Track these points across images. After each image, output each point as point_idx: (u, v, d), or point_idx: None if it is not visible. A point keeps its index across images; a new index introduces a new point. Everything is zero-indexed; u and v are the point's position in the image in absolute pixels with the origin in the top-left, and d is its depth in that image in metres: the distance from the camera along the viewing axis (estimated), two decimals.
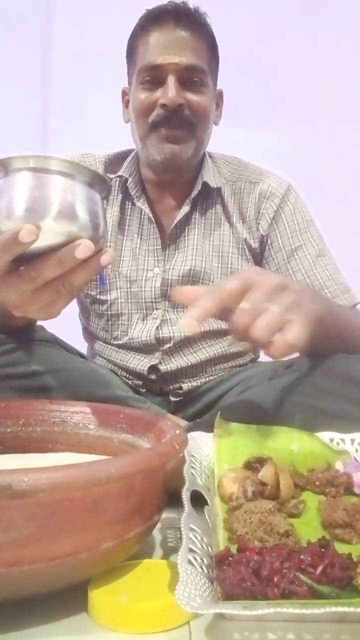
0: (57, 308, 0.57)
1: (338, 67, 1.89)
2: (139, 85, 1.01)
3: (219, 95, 1.10)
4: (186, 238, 1.08)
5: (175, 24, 0.99)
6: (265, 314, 0.63)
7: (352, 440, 0.77)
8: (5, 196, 0.53)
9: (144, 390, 1.09)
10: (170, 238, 1.08)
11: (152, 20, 1.01)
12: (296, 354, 0.71)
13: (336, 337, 0.83)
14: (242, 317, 0.63)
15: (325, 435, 0.77)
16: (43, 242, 0.52)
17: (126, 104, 1.10)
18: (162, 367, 1.07)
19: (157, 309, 1.07)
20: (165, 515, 0.60)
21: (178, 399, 1.09)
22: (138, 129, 1.03)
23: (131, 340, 1.08)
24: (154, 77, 0.99)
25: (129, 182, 1.08)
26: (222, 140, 1.14)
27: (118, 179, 1.10)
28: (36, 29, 1.96)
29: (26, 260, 0.54)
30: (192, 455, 0.68)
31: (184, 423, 0.94)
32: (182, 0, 1.02)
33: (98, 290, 1.09)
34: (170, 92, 0.97)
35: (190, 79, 0.99)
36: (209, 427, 0.77)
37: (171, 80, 0.98)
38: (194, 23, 1.01)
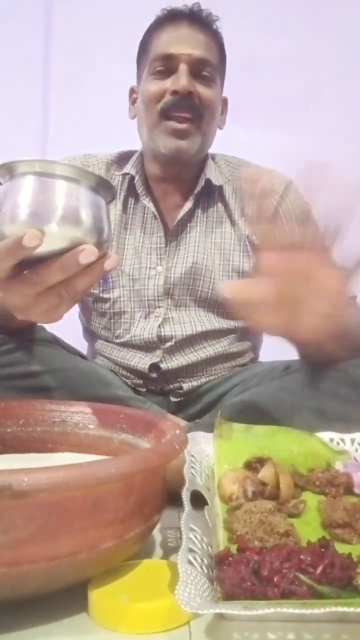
0: (60, 312, 0.57)
1: (338, 66, 1.89)
2: (150, 76, 1.03)
3: (224, 102, 1.12)
4: (188, 235, 1.08)
5: (190, 22, 1.02)
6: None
7: (352, 440, 0.77)
8: (10, 200, 0.52)
9: (144, 390, 1.09)
10: (173, 235, 1.08)
11: (167, 18, 1.05)
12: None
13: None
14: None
15: (325, 435, 0.77)
16: (47, 246, 0.52)
17: (133, 101, 1.11)
18: (163, 366, 1.07)
19: (159, 307, 1.08)
20: (165, 515, 0.60)
21: (178, 399, 1.09)
22: (146, 118, 1.04)
23: (133, 338, 1.08)
24: (166, 66, 1.01)
25: (135, 179, 1.08)
26: (223, 140, 1.14)
27: (121, 177, 1.10)
28: (36, 28, 1.96)
29: (30, 264, 0.54)
30: (192, 455, 0.68)
31: (184, 423, 0.94)
32: (196, 3, 1.05)
33: (101, 289, 1.09)
34: (181, 79, 0.99)
35: (200, 71, 1.01)
36: (209, 427, 0.77)
37: (183, 69, 1.00)
38: (207, 25, 1.04)
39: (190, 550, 0.50)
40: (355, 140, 1.86)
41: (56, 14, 1.97)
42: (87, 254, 0.52)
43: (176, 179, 1.08)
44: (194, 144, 1.02)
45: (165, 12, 1.06)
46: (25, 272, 0.54)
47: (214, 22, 1.06)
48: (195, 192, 1.07)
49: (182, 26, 1.02)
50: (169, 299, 1.08)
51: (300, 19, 1.91)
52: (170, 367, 1.07)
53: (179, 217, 1.07)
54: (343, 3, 1.89)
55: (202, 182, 1.07)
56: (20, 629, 0.47)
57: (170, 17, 1.04)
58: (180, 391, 1.08)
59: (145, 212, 1.09)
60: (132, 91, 1.12)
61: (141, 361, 1.07)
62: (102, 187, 0.56)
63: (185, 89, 0.99)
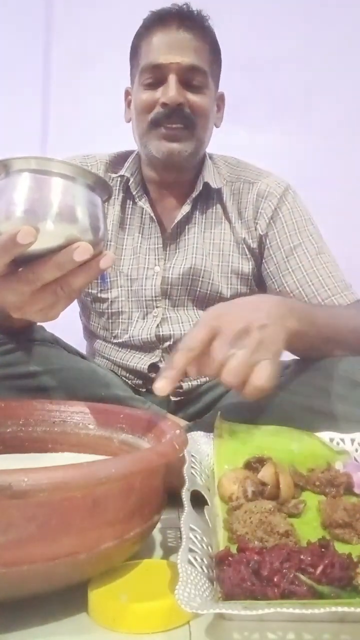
0: (56, 311, 0.57)
1: (338, 66, 1.89)
2: (141, 85, 1.02)
3: (221, 98, 1.11)
4: (186, 237, 1.08)
5: (179, 25, 1.00)
6: (231, 360, 0.66)
7: (352, 440, 0.77)
8: (5, 197, 0.53)
9: (144, 390, 1.09)
10: (171, 237, 1.08)
11: (155, 21, 1.02)
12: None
13: (329, 342, 0.83)
14: (211, 366, 0.67)
15: (325, 435, 0.76)
16: (42, 244, 0.52)
17: (128, 103, 1.11)
18: (162, 365, 1.07)
19: (157, 307, 1.07)
20: (165, 515, 0.60)
21: (178, 398, 1.09)
22: (138, 127, 1.04)
23: (131, 339, 1.08)
24: (156, 76, 1.00)
25: (130, 181, 1.08)
26: (222, 140, 1.14)
27: (119, 178, 1.10)
28: (36, 29, 1.97)
29: (26, 262, 0.54)
30: (192, 455, 0.68)
31: (184, 423, 0.94)
32: (186, 3, 1.03)
33: (99, 289, 1.09)
34: (170, 91, 0.98)
35: (191, 79, 1.00)
36: (209, 427, 0.77)
37: (172, 80, 0.98)
38: (197, 25, 1.02)
39: (190, 550, 0.50)
40: (354, 140, 1.87)
41: (56, 14, 1.97)
42: (82, 251, 0.52)
43: (173, 182, 1.08)
44: (187, 147, 1.02)
45: (154, 14, 1.03)
46: (20, 269, 0.54)
47: (205, 20, 1.03)
48: (194, 195, 1.07)
49: (171, 30, 1.00)
50: (167, 299, 1.07)
51: (299, 19, 1.91)
52: None
53: (176, 220, 1.07)
54: (342, 3, 1.89)
55: (200, 186, 1.07)
56: (20, 629, 0.47)
57: (159, 20, 1.02)
58: (180, 390, 1.08)
59: (143, 214, 1.09)
60: (127, 93, 1.11)
61: (140, 361, 1.07)
62: (98, 185, 0.56)
63: (175, 101, 0.98)
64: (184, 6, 1.03)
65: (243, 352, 0.67)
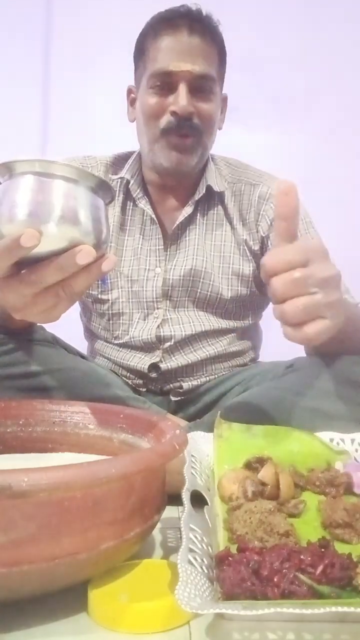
0: (57, 312, 0.57)
1: (338, 66, 1.89)
2: (149, 89, 1.00)
3: (224, 101, 1.10)
4: (187, 238, 1.08)
5: (189, 30, 0.98)
6: (307, 297, 0.58)
7: (352, 440, 0.77)
8: (9, 199, 0.52)
9: (144, 390, 1.09)
10: (172, 238, 1.08)
11: (165, 23, 1.00)
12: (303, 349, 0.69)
13: (348, 342, 0.82)
14: (286, 286, 0.58)
15: (325, 435, 0.77)
16: (45, 246, 0.52)
17: (131, 102, 1.09)
18: (163, 366, 1.07)
19: (158, 308, 1.07)
20: (165, 515, 0.60)
21: (178, 398, 1.09)
22: (147, 132, 1.02)
23: (132, 339, 1.08)
24: (165, 83, 0.98)
25: (131, 183, 1.08)
26: (222, 140, 1.14)
27: (119, 180, 1.10)
28: (36, 29, 1.97)
29: (28, 264, 0.54)
30: (192, 455, 0.68)
31: (184, 423, 0.95)
32: (197, 6, 1.01)
33: (99, 290, 1.09)
34: (181, 100, 0.97)
35: (200, 87, 0.99)
36: (209, 427, 0.77)
37: (182, 88, 0.97)
38: (207, 30, 1.00)
39: (190, 550, 0.50)
40: (354, 140, 1.87)
41: (56, 13, 1.97)
42: (85, 254, 0.52)
43: (175, 186, 1.08)
44: (195, 157, 1.01)
45: (163, 15, 1.01)
46: (23, 271, 0.55)
47: (214, 24, 1.02)
48: (196, 198, 1.07)
49: (182, 35, 0.98)
50: (168, 301, 1.07)
51: (299, 19, 1.91)
52: (169, 367, 1.07)
53: (178, 222, 1.07)
54: (342, 3, 1.89)
55: (202, 189, 1.07)
56: (20, 629, 0.47)
57: (168, 23, 0.99)
58: (180, 390, 1.08)
59: (144, 216, 1.09)
60: (130, 91, 1.09)
61: (141, 361, 1.07)
62: (101, 188, 0.56)
63: (186, 111, 0.97)
64: (194, 8, 1.00)
65: (321, 298, 0.59)
